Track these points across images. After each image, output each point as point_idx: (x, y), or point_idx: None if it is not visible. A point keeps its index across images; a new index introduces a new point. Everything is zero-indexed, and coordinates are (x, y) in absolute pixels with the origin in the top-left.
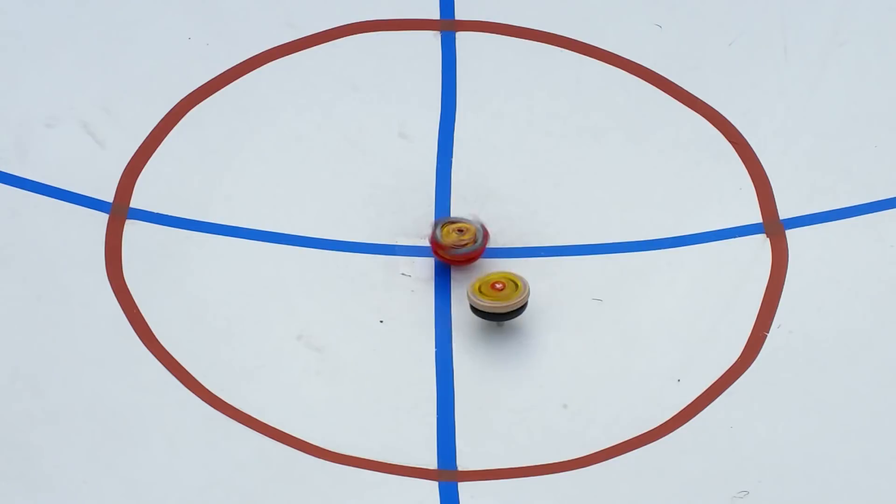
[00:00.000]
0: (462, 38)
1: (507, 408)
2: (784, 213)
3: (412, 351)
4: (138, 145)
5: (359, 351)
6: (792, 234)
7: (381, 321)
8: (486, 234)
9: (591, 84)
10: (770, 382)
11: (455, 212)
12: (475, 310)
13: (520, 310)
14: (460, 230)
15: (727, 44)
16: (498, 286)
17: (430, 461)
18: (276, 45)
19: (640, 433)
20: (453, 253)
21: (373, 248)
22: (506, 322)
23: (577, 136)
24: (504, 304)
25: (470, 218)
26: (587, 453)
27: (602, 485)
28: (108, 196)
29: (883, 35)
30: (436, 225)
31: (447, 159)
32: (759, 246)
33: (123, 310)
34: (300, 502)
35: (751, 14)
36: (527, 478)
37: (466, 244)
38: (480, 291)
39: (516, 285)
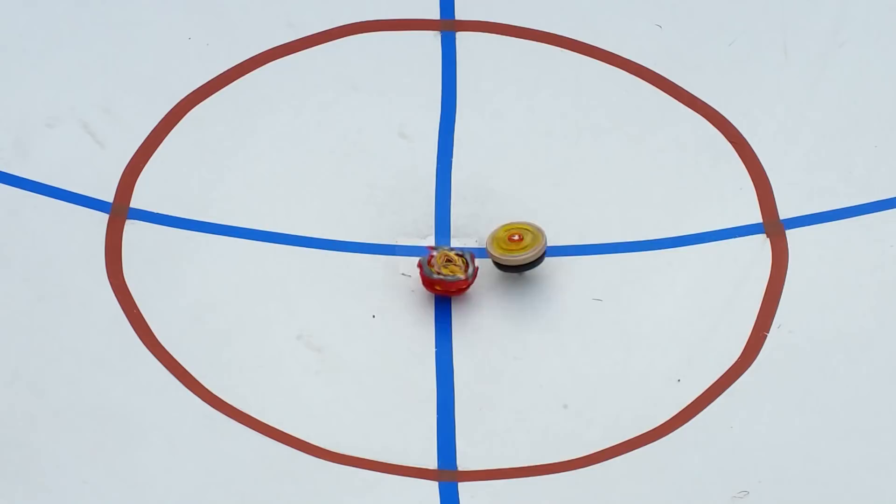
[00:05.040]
0: (462, 38)
1: (507, 408)
2: (784, 213)
3: (412, 351)
4: (138, 145)
5: (359, 351)
6: (792, 234)
7: (374, 316)
8: (472, 257)
9: (591, 84)
10: (770, 382)
11: (455, 211)
12: (498, 264)
13: (539, 259)
14: (448, 259)
15: (727, 44)
16: (515, 237)
17: (430, 461)
18: (276, 45)
19: (640, 433)
20: (450, 279)
21: (373, 248)
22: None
23: (577, 136)
24: (523, 255)
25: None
26: (587, 453)
27: (602, 485)
28: (108, 196)
29: (883, 35)
30: (426, 265)
31: (447, 159)
32: (759, 246)
33: (123, 310)
34: (300, 502)
35: (751, 14)
36: (527, 478)
37: (458, 271)
38: (500, 246)
39: (533, 235)
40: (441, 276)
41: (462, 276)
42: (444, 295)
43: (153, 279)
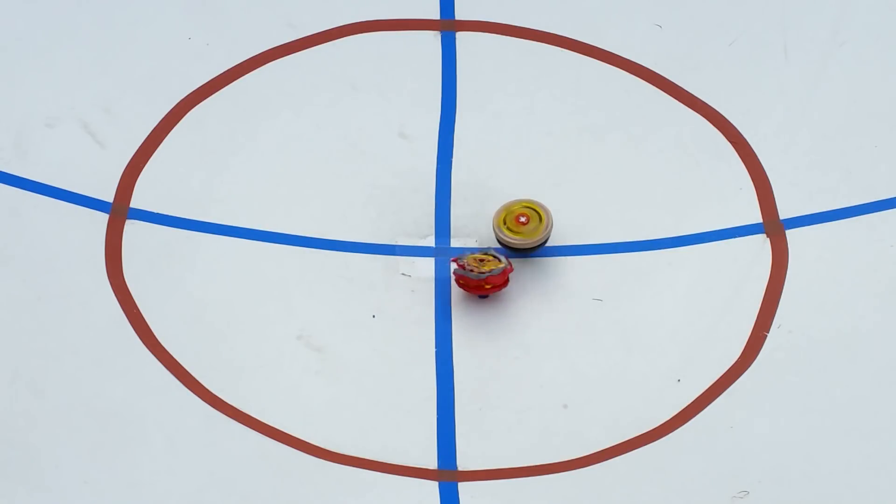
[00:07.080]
0: (462, 38)
1: (507, 408)
2: (784, 213)
3: (412, 351)
4: (138, 145)
5: (359, 351)
6: (792, 234)
7: (374, 315)
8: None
9: (591, 84)
10: (770, 382)
11: (455, 211)
12: (502, 243)
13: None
14: (481, 260)
15: (727, 44)
16: (522, 219)
17: (430, 461)
18: (276, 45)
19: (640, 433)
20: (491, 274)
21: (373, 248)
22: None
23: (577, 136)
24: (529, 239)
25: (473, 248)
26: (587, 453)
27: (602, 485)
28: (108, 196)
29: (883, 35)
30: (460, 264)
31: (447, 159)
32: (759, 246)
33: (123, 310)
34: (300, 502)
35: (751, 14)
36: (527, 478)
37: (493, 268)
38: (506, 226)
39: (540, 217)
40: (488, 273)
41: (504, 265)
42: (490, 292)
43: (153, 279)
